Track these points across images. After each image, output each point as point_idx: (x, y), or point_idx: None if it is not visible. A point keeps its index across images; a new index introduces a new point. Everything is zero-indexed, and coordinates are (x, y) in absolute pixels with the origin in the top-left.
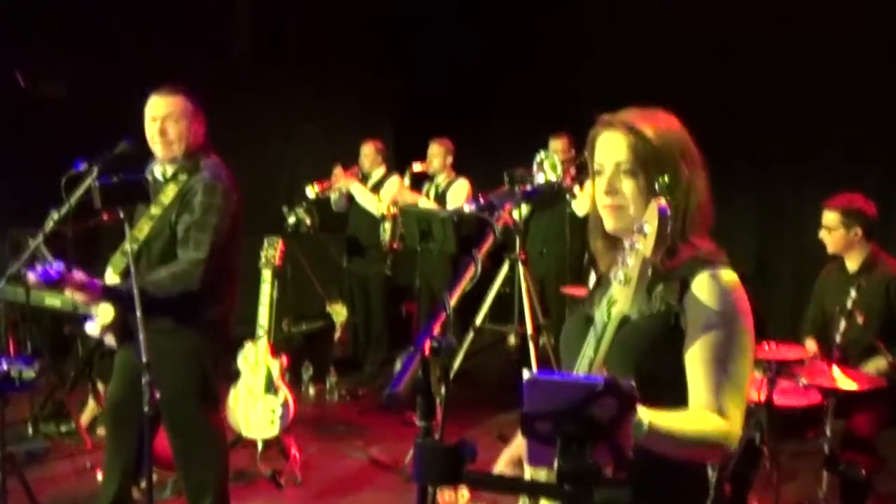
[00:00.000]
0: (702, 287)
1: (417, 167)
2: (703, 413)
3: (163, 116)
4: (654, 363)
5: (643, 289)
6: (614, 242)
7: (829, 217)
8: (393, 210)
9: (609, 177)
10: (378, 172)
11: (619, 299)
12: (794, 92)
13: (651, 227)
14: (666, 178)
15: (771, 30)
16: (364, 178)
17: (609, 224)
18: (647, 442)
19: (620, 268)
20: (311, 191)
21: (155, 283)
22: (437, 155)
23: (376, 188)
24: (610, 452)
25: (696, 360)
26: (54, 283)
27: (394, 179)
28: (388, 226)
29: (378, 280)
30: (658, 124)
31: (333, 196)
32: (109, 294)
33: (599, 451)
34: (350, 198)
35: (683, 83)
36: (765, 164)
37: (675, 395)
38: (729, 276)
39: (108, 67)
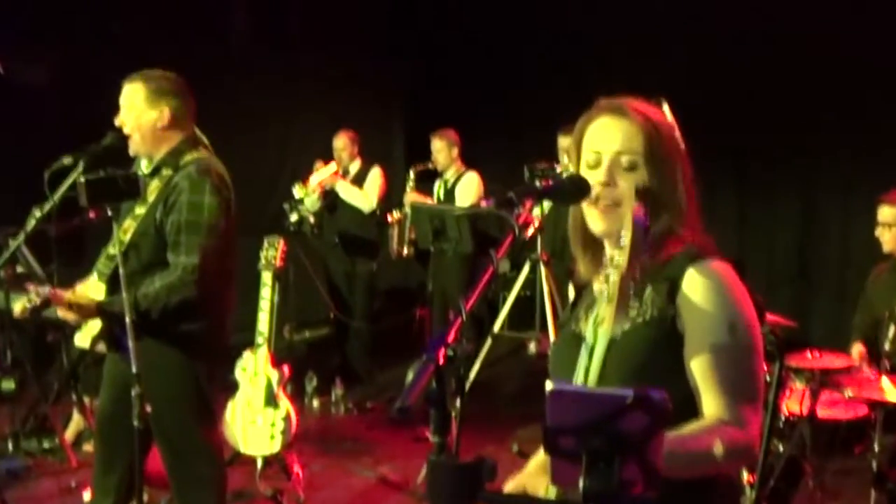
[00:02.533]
0: (694, 286)
1: (420, 168)
2: (716, 425)
3: (121, 107)
4: (653, 372)
5: (626, 306)
6: (597, 247)
7: (887, 212)
8: (398, 215)
9: (608, 166)
10: (355, 165)
11: (605, 318)
12: (838, 88)
13: (626, 237)
14: (646, 181)
15: (813, 26)
16: (343, 174)
17: (599, 225)
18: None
19: (604, 284)
20: (300, 191)
21: (149, 297)
22: (441, 150)
23: (357, 182)
24: (639, 470)
25: (702, 368)
26: (43, 308)
27: (376, 171)
28: (394, 232)
29: (363, 279)
30: (658, 114)
31: (310, 198)
32: (103, 312)
33: (628, 469)
34: (328, 195)
35: (721, 79)
36: (808, 163)
37: (675, 401)
38: (720, 267)
39: (95, 52)
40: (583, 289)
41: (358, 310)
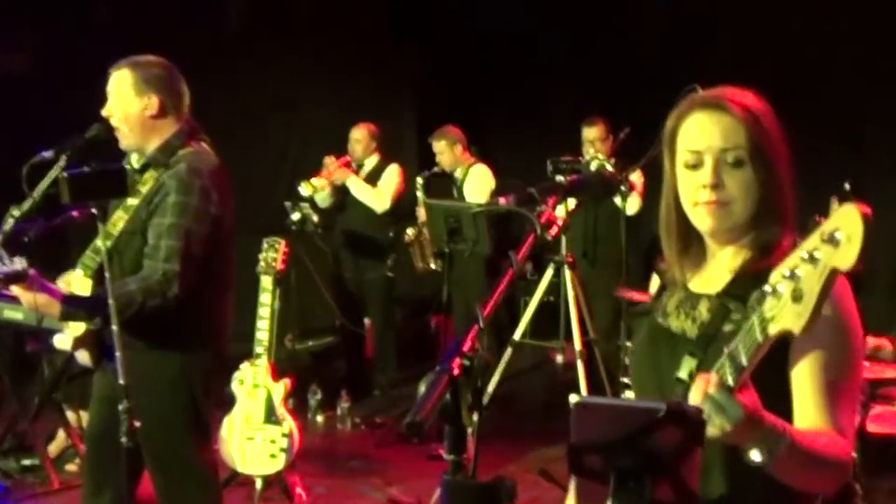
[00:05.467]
0: None
1: (428, 174)
2: (828, 431)
3: (108, 96)
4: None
5: (821, 308)
6: (691, 246)
7: None
8: (413, 232)
9: (714, 167)
10: (372, 161)
11: (778, 316)
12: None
13: (849, 234)
14: (754, 178)
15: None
16: (356, 168)
17: (708, 224)
18: (778, 465)
19: (782, 280)
20: (307, 188)
21: (124, 298)
22: (443, 151)
23: (371, 179)
24: (673, 490)
25: (806, 375)
26: (13, 279)
27: (393, 168)
28: (415, 249)
29: (378, 285)
30: (758, 101)
31: (321, 194)
32: (71, 303)
33: (661, 489)
34: (340, 191)
35: (760, 62)
36: (857, 145)
37: (771, 409)
38: None
39: (79, 37)
40: (669, 284)
41: (379, 318)
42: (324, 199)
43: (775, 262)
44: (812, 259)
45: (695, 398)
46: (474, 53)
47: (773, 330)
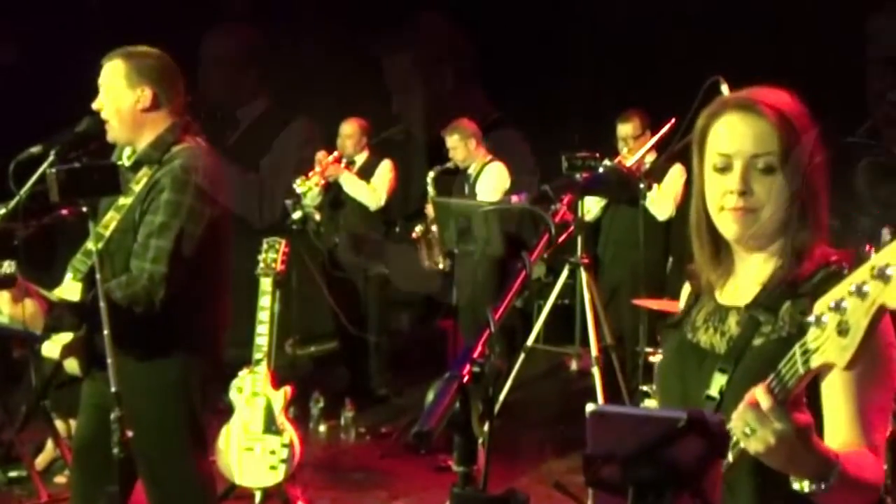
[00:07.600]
0: None
1: (439, 169)
2: (864, 452)
3: (100, 88)
4: None
5: (868, 343)
6: (721, 251)
7: None
8: (421, 229)
9: (742, 173)
10: (362, 157)
11: (822, 348)
12: None
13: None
14: (785, 185)
15: None
16: (347, 164)
17: (733, 230)
18: (825, 493)
19: (828, 311)
20: (302, 186)
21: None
22: (457, 146)
23: (362, 176)
24: None
25: (839, 389)
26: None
27: (386, 164)
28: (422, 246)
29: (374, 283)
30: (793, 104)
31: (310, 191)
32: (58, 310)
33: (681, 503)
34: (330, 189)
35: (765, 64)
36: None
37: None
38: None
39: (70, 27)
40: (700, 293)
41: (373, 320)
42: (313, 197)
43: (806, 271)
44: (860, 293)
45: (740, 408)
46: (485, 47)
47: (816, 363)
